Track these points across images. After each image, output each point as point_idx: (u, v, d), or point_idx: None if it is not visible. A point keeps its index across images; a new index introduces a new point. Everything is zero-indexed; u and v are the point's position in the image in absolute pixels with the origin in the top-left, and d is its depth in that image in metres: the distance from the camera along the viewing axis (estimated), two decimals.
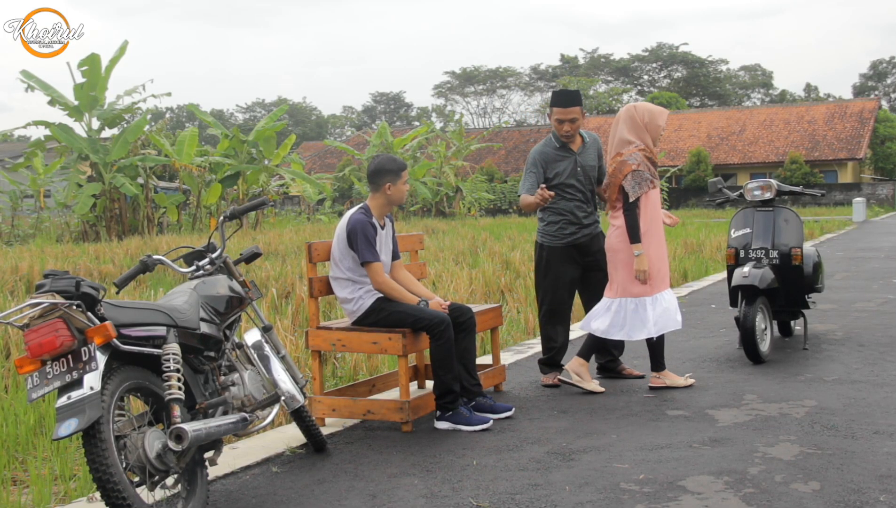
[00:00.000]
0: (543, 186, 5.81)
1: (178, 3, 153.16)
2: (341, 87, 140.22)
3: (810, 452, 4.36)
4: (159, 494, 3.55)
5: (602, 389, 5.81)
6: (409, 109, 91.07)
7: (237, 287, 4.30)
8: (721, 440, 4.62)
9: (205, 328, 3.88)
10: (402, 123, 78.13)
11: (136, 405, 3.91)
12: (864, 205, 33.04)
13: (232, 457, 4.49)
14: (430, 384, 5.93)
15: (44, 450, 4.71)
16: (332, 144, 41.99)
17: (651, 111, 5.83)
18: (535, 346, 7.46)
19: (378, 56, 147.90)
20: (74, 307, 3.27)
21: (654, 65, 77.57)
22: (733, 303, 6.82)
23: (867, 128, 48.10)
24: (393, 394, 5.67)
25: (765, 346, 6.59)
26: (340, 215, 33.08)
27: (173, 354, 3.54)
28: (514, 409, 5.31)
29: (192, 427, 3.47)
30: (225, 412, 3.95)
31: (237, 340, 4.31)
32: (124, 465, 3.34)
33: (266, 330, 4.43)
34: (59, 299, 3.25)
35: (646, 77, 78.06)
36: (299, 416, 4.51)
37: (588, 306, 6.21)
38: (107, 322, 3.28)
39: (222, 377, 4.07)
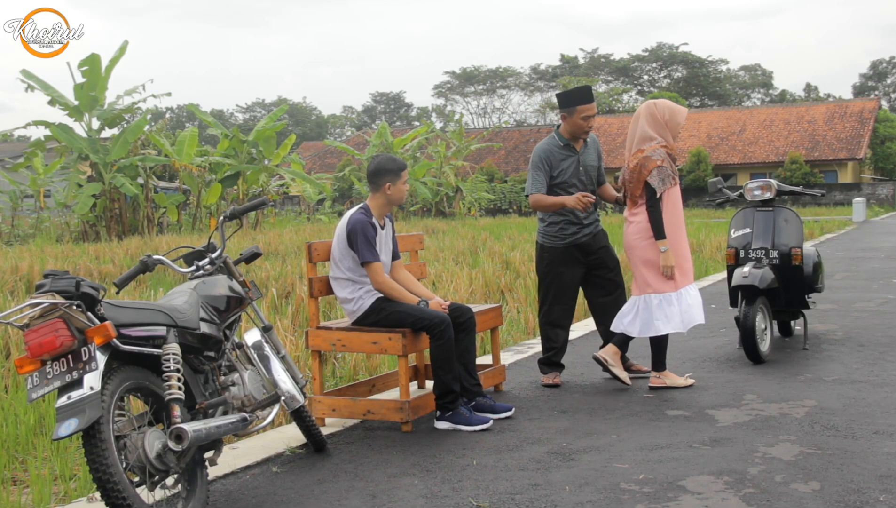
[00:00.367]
0: (586, 194, 5.81)
1: (178, 4, 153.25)
2: (341, 87, 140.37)
3: (810, 452, 4.36)
4: (159, 494, 3.55)
5: (630, 383, 5.86)
6: (409, 109, 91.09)
7: (237, 287, 4.30)
8: (721, 440, 4.62)
9: (205, 328, 3.88)
10: (402, 123, 78.14)
11: (136, 405, 3.91)
12: (864, 205, 33.04)
13: (232, 457, 4.49)
14: (430, 384, 5.93)
15: (44, 450, 4.71)
16: (332, 144, 42.00)
17: (671, 108, 5.86)
18: (535, 346, 7.46)
19: (378, 56, 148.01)
20: (74, 307, 3.27)
21: (654, 65, 77.57)
22: (733, 303, 6.82)
23: (867, 128, 48.10)
24: (393, 394, 5.67)
25: (765, 346, 6.59)
26: (340, 215, 33.09)
27: (173, 354, 3.54)
28: (514, 409, 5.31)
29: (192, 427, 3.47)
30: (225, 412, 3.95)
31: (237, 340, 4.31)
32: (124, 465, 3.34)
33: (266, 330, 4.43)
34: (59, 299, 3.25)
35: (646, 77, 78.06)
36: (299, 416, 4.51)
37: (594, 304, 6.21)
38: (107, 322, 3.28)
39: (222, 377, 4.07)
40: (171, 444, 3.43)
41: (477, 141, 44.18)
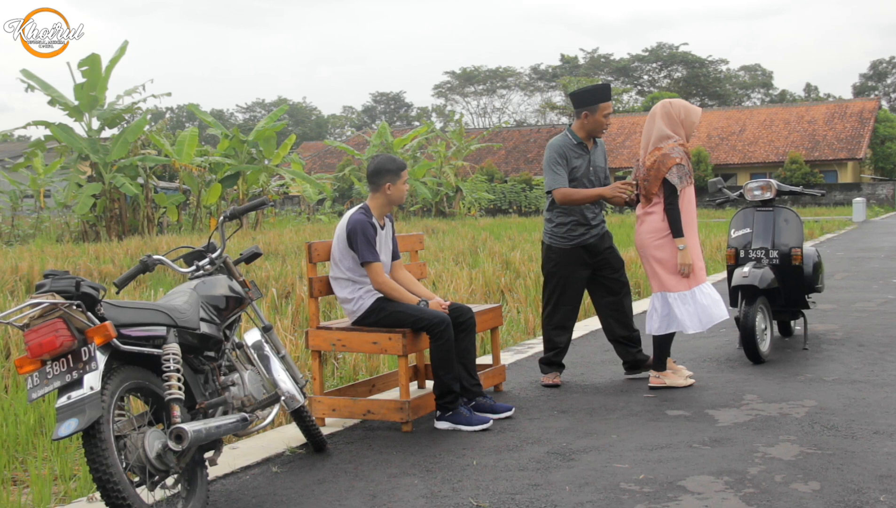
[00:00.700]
0: (625, 181, 5.79)
1: (178, 3, 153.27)
2: (341, 87, 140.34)
3: (810, 452, 4.36)
4: (159, 494, 3.55)
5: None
6: (409, 109, 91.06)
7: (237, 287, 4.30)
8: (721, 440, 4.62)
9: (205, 328, 3.88)
10: (402, 123, 78.14)
11: (136, 405, 3.91)
12: (864, 205, 33.04)
13: (232, 457, 4.49)
14: (430, 384, 5.93)
15: (44, 450, 4.71)
16: (332, 144, 41.98)
17: (686, 108, 5.88)
18: (535, 346, 7.46)
19: (378, 56, 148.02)
20: (74, 307, 3.27)
21: (654, 65, 77.57)
22: (733, 303, 6.81)
23: (867, 128, 48.10)
24: (393, 394, 5.67)
25: (765, 346, 6.59)
26: (340, 215, 33.10)
27: (173, 354, 3.54)
28: (514, 409, 5.30)
29: (192, 427, 3.47)
30: (225, 412, 3.95)
31: (237, 340, 4.31)
32: (124, 465, 3.34)
33: (266, 330, 4.43)
34: (59, 299, 3.25)
35: (646, 77, 78.08)
36: (299, 416, 4.51)
37: (600, 305, 6.21)
38: (107, 322, 3.28)
39: (222, 377, 4.07)
40: (171, 444, 3.43)
41: (477, 141, 44.18)
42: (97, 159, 23.82)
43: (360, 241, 5.03)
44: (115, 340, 3.31)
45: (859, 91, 75.33)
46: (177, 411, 3.48)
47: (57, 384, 3.23)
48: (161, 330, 3.58)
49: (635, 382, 6.07)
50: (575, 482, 4.04)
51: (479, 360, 6.03)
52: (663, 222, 5.77)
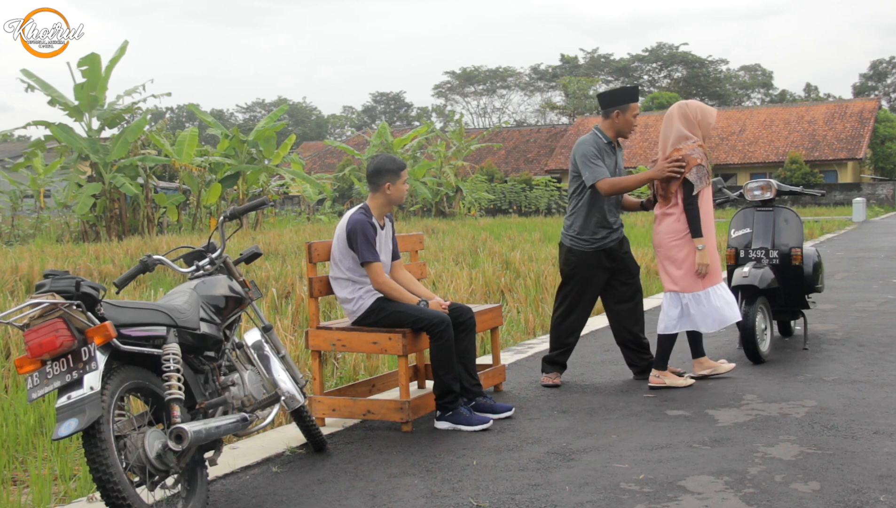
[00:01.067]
0: (667, 156, 5.78)
1: (178, 3, 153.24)
2: (341, 87, 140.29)
3: (810, 452, 4.36)
4: (159, 494, 3.55)
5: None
6: (409, 109, 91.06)
7: (237, 287, 4.30)
8: (721, 440, 4.62)
9: (205, 328, 3.88)
10: (402, 123, 78.13)
11: (136, 405, 3.91)
12: (864, 205, 33.04)
13: (232, 457, 4.50)
14: (430, 384, 5.93)
15: (44, 450, 4.71)
16: (332, 144, 41.97)
17: (703, 109, 5.91)
18: (535, 346, 7.46)
19: (378, 56, 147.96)
20: (74, 307, 3.27)
21: (654, 65, 77.57)
22: None
23: (867, 128, 48.09)
24: (393, 394, 5.67)
25: (765, 346, 6.59)
26: (340, 215, 33.09)
27: (173, 354, 3.54)
28: (514, 409, 5.31)
29: (192, 427, 3.47)
30: (225, 412, 3.95)
31: (237, 340, 4.31)
32: (124, 465, 3.34)
33: (266, 330, 4.43)
34: (59, 299, 3.25)
35: (646, 77, 78.04)
36: (299, 416, 4.51)
37: (612, 310, 6.19)
38: (107, 322, 3.28)
39: (222, 377, 4.07)
40: (171, 444, 3.43)
41: (477, 141, 44.14)
42: (97, 159, 23.82)
43: (360, 241, 5.03)
44: (115, 340, 3.31)
45: (859, 91, 75.33)
46: (177, 411, 3.48)
47: (57, 384, 3.23)
48: (161, 330, 3.58)
49: (635, 382, 6.07)
50: (575, 482, 4.04)
51: (479, 360, 6.03)
52: (678, 222, 5.79)
